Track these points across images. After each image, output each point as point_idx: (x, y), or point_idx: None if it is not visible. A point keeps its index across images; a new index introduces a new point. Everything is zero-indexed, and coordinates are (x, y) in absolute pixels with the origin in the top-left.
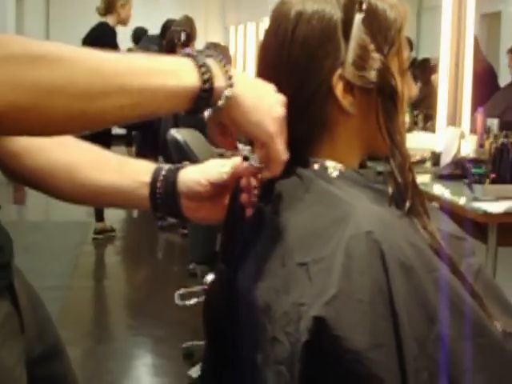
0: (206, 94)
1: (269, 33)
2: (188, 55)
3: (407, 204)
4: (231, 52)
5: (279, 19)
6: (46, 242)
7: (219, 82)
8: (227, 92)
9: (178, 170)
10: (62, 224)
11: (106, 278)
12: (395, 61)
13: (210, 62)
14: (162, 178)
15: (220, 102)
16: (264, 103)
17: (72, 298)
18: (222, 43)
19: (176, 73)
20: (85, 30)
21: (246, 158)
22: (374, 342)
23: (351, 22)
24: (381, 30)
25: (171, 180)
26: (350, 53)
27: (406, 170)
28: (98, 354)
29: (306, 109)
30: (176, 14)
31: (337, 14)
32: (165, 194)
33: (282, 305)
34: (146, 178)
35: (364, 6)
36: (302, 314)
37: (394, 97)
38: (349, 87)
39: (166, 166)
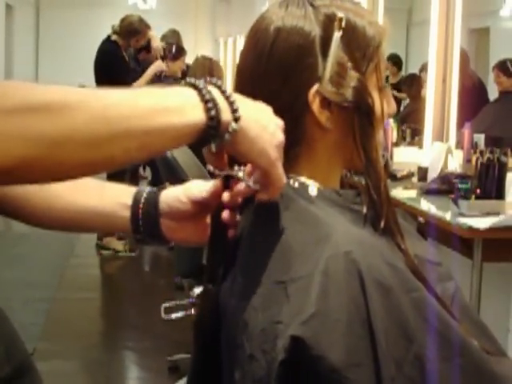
0: (212, 131)
1: (247, 47)
2: (191, 85)
3: (381, 223)
4: (221, 64)
5: (258, 34)
6: (32, 254)
7: (226, 116)
8: (234, 126)
9: (159, 190)
10: (49, 235)
11: (92, 290)
12: (373, 77)
13: (215, 93)
14: (143, 199)
15: (227, 136)
16: (266, 132)
17: (58, 309)
18: (212, 55)
19: (181, 110)
20: (74, 44)
21: (232, 178)
22: (352, 362)
23: (330, 38)
24: (359, 47)
25: (153, 201)
26: (328, 69)
27: (381, 188)
28: (83, 367)
29: (285, 124)
30: (166, 27)
31: (315, 31)
32: (146, 215)
33: (260, 322)
34: (128, 200)
35: (343, 24)
36: (279, 333)
37: (371, 115)
38: (326, 103)
39: (148, 188)
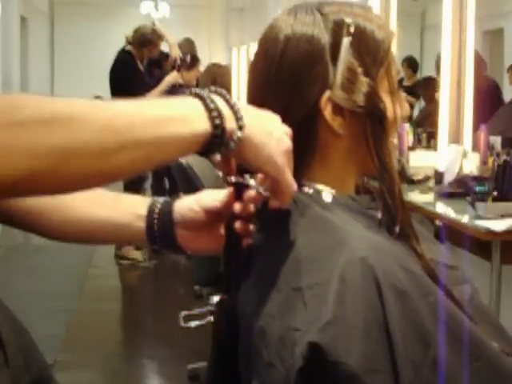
0: (217, 139)
1: (257, 57)
2: (196, 95)
3: (397, 228)
4: (234, 72)
5: (268, 43)
6: (51, 265)
7: (230, 124)
8: (239, 134)
9: (173, 200)
10: (67, 247)
11: (111, 300)
12: (385, 81)
13: (219, 102)
14: (158, 210)
15: (232, 144)
16: (272, 138)
17: (78, 320)
18: (226, 64)
19: (187, 120)
20: (89, 55)
21: (246, 186)
22: (370, 367)
23: (339, 45)
24: (369, 51)
25: (167, 210)
26: (338, 76)
27: (396, 193)
28: (103, 377)
29: (297, 132)
30: (179, 36)
31: (324, 38)
32: (161, 225)
33: (277, 330)
34: (142, 211)
35: (352, 30)
36: (297, 340)
37: (383, 120)
38: (338, 109)
39: (162, 199)
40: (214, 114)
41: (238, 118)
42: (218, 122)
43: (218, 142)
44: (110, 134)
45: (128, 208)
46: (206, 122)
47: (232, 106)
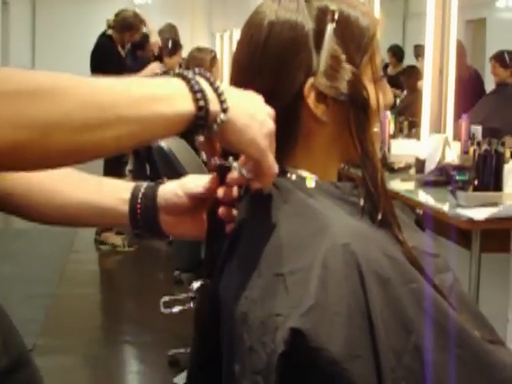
0: (201, 121)
1: (241, 43)
2: (180, 76)
3: (379, 215)
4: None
5: (252, 29)
6: (31, 250)
7: (214, 107)
8: (222, 117)
9: (157, 185)
10: (48, 231)
11: (91, 286)
12: (368, 69)
13: (203, 84)
14: (141, 194)
15: (215, 126)
16: (255, 121)
17: (57, 305)
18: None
19: (171, 99)
20: (71, 39)
21: (229, 169)
22: (352, 353)
23: (323, 32)
24: (353, 38)
25: (151, 195)
26: (322, 63)
27: (378, 180)
28: (83, 362)
29: (280, 118)
30: (162, 21)
31: (308, 25)
32: (144, 210)
33: (259, 315)
34: (126, 194)
35: (336, 17)
36: (279, 325)
37: (366, 108)
38: (321, 96)
39: (145, 183)
40: (198, 96)
41: (221, 101)
42: (202, 103)
43: (201, 123)
44: (93, 109)
45: (112, 192)
46: (191, 103)
47: (216, 89)
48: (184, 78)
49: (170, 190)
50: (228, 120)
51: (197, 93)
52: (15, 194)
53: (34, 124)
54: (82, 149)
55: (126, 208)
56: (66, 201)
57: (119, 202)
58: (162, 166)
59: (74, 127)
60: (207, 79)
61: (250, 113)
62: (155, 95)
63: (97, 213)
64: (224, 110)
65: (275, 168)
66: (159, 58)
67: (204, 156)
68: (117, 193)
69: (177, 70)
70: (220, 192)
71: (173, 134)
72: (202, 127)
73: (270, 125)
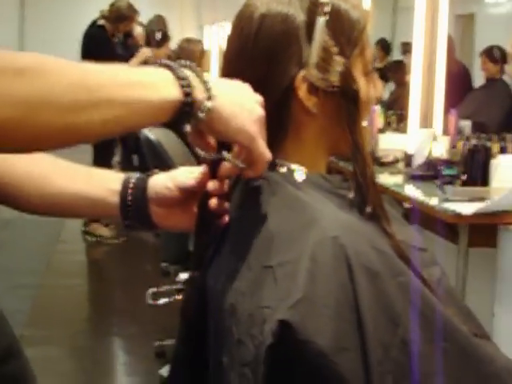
0: (187, 108)
1: (232, 35)
2: (166, 66)
3: (368, 208)
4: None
5: (243, 21)
6: (18, 240)
7: (199, 94)
8: (208, 104)
9: (148, 177)
10: (35, 221)
11: (78, 277)
12: (359, 62)
13: (189, 73)
14: (132, 185)
15: (201, 115)
16: (243, 108)
17: (44, 296)
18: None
19: (157, 86)
20: (61, 30)
21: (221, 161)
22: (339, 346)
23: (314, 24)
24: (344, 31)
25: (141, 186)
26: (313, 55)
27: (367, 173)
28: (69, 353)
29: (271, 110)
30: (151, 13)
31: (300, 17)
32: (135, 201)
33: (247, 307)
34: (117, 186)
35: (327, 9)
36: (267, 317)
37: (357, 100)
38: (312, 88)
39: (136, 174)
40: (183, 83)
41: (207, 89)
42: (187, 90)
43: (187, 110)
44: (81, 91)
45: (102, 182)
46: (176, 90)
47: (201, 78)
48: (169, 67)
49: (161, 182)
50: (214, 108)
51: (182, 80)
52: (4, 183)
53: (22, 101)
54: (68, 130)
55: (115, 199)
56: (55, 191)
57: (109, 192)
58: (151, 158)
59: (61, 107)
60: (192, 69)
61: (238, 101)
62: (142, 81)
63: (86, 203)
64: (209, 98)
65: (267, 154)
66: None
67: (199, 151)
68: (106, 184)
69: (162, 61)
70: (211, 185)
71: (159, 120)
72: (187, 115)
73: (260, 112)
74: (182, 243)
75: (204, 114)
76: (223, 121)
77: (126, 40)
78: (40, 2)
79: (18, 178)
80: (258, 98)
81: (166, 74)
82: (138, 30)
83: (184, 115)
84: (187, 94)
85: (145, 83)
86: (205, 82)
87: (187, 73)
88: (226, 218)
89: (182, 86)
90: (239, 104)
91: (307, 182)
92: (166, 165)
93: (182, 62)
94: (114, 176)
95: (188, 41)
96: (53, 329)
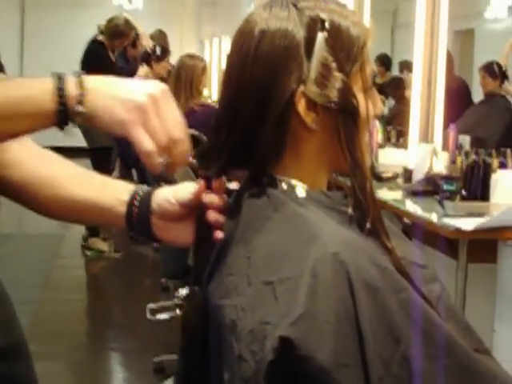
0: (62, 115)
1: (233, 50)
2: (56, 75)
3: (368, 224)
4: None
5: (242, 37)
6: (17, 255)
7: (71, 101)
8: (78, 109)
9: (154, 189)
10: (34, 236)
11: (78, 291)
12: (358, 78)
13: (71, 81)
14: (139, 197)
15: (77, 119)
16: (115, 99)
17: (43, 311)
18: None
19: (32, 99)
20: (60, 44)
21: (209, 179)
22: (340, 362)
23: (314, 40)
24: (343, 48)
25: (146, 199)
26: (312, 71)
27: (367, 189)
28: (68, 368)
29: (271, 126)
30: (152, 27)
31: (299, 33)
32: (139, 213)
33: (248, 323)
34: (125, 196)
35: (327, 25)
36: (268, 333)
37: (356, 116)
38: (312, 104)
39: (145, 187)
40: (60, 93)
41: (79, 94)
42: (62, 100)
43: (62, 117)
44: None
45: (113, 192)
46: (52, 101)
47: (80, 82)
48: (58, 77)
49: (164, 195)
50: (89, 110)
51: (59, 90)
52: (23, 184)
53: None
54: None
55: (123, 209)
56: (69, 195)
57: (118, 202)
58: (150, 172)
59: None
60: (78, 77)
61: (111, 95)
62: (23, 95)
63: (96, 211)
64: (80, 102)
65: (144, 143)
66: (148, 63)
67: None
68: (117, 193)
69: (53, 72)
70: (206, 198)
71: (47, 125)
72: (65, 119)
73: (137, 98)
74: (182, 258)
75: (80, 118)
76: (99, 118)
77: (126, 52)
78: (40, 7)
79: (35, 178)
80: (143, 88)
81: (48, 86)
82: (148, 42)
83: (63, 121)
84: (62, 104)
85: (25, 97)
86: (81, 87)
87: (69, 81)
88: (221, 234)
89: (59, 96)
90: (110, 96)
91: (308, 199)
92: (165, 180)
93: (76, 72)
94: (126, 187)
95: (190, 57)
96: (52, 344)
